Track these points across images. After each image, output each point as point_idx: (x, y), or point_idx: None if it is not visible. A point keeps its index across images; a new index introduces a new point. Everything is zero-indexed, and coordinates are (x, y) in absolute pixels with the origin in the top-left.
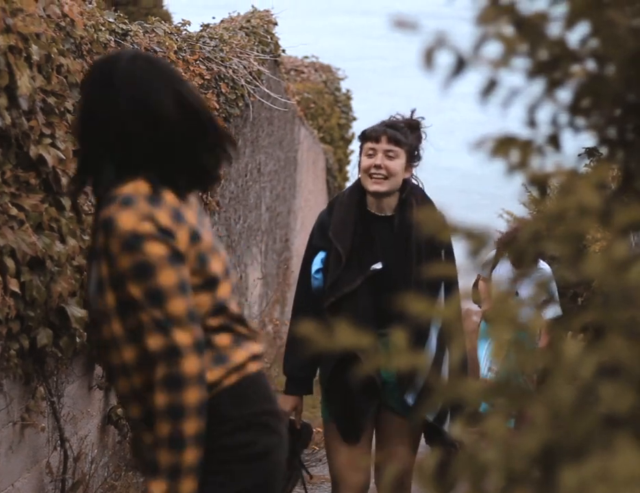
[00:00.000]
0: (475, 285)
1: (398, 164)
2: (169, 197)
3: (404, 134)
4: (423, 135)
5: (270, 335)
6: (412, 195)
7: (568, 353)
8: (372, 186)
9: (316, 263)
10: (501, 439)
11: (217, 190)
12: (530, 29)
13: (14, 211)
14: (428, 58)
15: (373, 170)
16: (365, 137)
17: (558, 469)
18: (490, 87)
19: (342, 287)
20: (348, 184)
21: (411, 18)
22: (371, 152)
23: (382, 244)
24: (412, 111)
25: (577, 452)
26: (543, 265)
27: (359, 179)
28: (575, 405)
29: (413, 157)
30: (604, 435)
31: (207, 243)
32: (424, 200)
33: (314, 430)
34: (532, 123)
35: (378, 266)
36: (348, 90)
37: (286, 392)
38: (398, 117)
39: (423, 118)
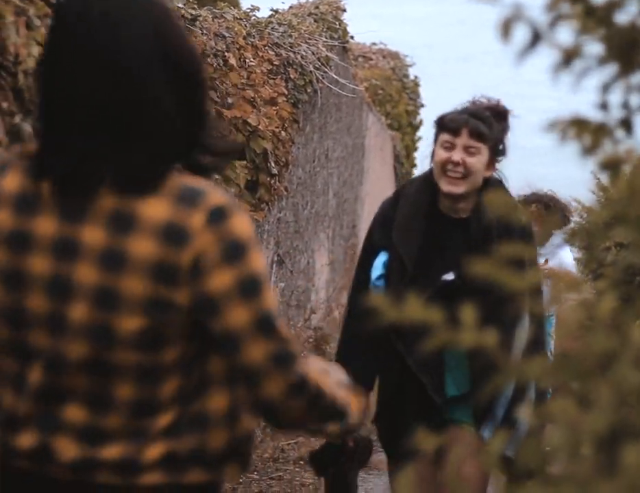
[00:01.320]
0: None
1: (480, 162)
2: None
3: (489, 125)
4: (510, 127)
5: (337, 321)
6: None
7: (635, 338)
8: (446, 186)
9: (377, 267)
10: (567, 422)
11: (285, 176)
12: (602, 15)
13: None
14: (506, 30)
15: (449, 167)
16: (443, 126)
17: (620, 449)
18: (564, 63)
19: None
20: (416, 171)
21: None
22: (447, 145)
23: (454, 251)
24: (498, 101)
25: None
26: (566, 252)
27: (430, 170)
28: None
29: (497, 151)
30: None
31: None
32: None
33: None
34: (604, 106)
35: (450, 276)
36: (416, 77)
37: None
38: (483, 101)
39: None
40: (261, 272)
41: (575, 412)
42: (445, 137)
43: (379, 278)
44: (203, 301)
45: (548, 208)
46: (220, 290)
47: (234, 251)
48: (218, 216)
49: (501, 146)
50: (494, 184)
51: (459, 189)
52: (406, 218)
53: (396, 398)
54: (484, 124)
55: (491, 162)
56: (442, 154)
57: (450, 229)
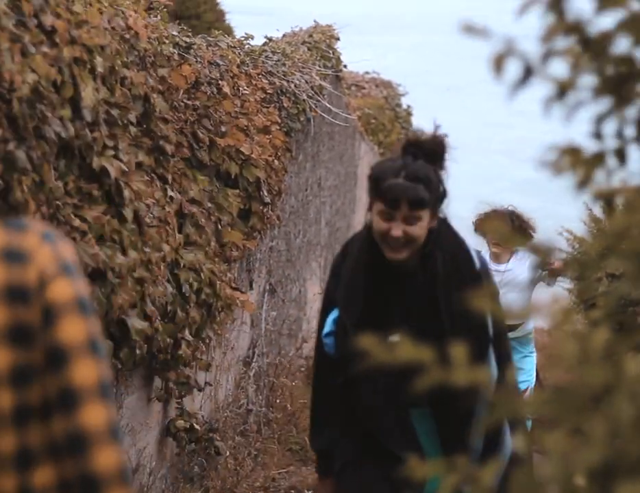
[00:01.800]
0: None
1: (422, 227)
2: None
3: (428, 184)
4: (447, 163)
5: None
6: (437, 245)
7: (630, 370)
8: (388, 253)
9: (328, 323)
10: (561, 454)
11: (277, 204)
12: (596, 47)
13: (76, 222)
14: (498, 64)
15: (390, 238)
16: (379, 193)
17: (614, 485)
18: (558, 95)
19: (353, 367)
20: None
21: (481, 25)
22: (386, 216)
23: (403, 306)
24: (437, 127)
25: (635, 470)
26: (523, 257)
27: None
28: (635, 423)
29: (440, 203)
30: None
31: None
32: (454, 244)
33: None
34: (598, 135)
35: (396, 338)
36: (409, 106)
37: (320, 474)
38: (419, 134)
39: (446, 134)
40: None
41: (568, 444)
42: (382, 207)
43: (328, 335)
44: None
45: (511, 224)
46: (61, 302)
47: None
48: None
49: (442, 194)
50: (437, 233)
51: (401, 255)
52: (349, 277)
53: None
54: (424, 186)
55: (434, 217)
56: (381, 225)
57: (397, 281)
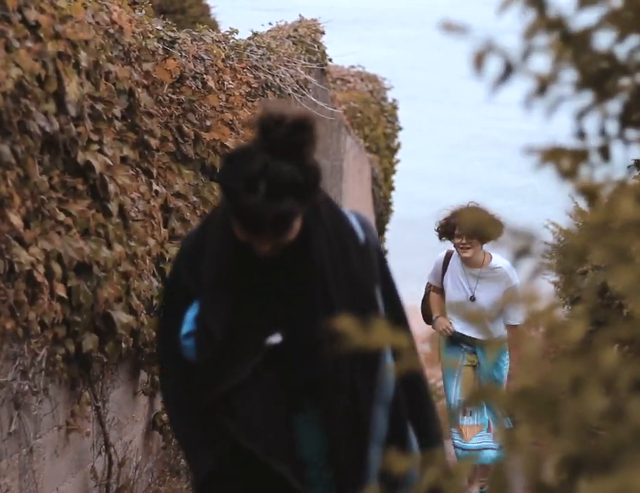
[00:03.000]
0: (426, 297)
1: (293, 233)
2: None
3: (297, 191)
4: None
5: None
6: (316, 221)
7: (605, 363)
8: (258, 252)
9: (188, 321)
10: (528, 449)
11: None
12: (578, 43)
13: (61, 216)
14: (478, 62)
15: (255, 249)
16: (234, 214)
17: (583, 478)
18: (538, 91)
19: (221, 379)
20: (394, 193)
21: (460, 24)
22: (248, 235)
23: (280, 300)
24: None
25: (602, 466)
26: (501, 262)
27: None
28: (605, 417)
29: (313, 193)
30: (633, 451)
31: None
32: (335, 218)
33: None
34: (580, 134)
35: (276, 338)
36: (394, 100)
37: None
38: (275, 116)
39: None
40: None
41: (536, 440)
42: (240, 224)
43: (188, 336)
44: None
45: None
46: None
47: None
48: None
49: (313, 182)
50: (316, 209)
51: (272, 253)
52: (213, 272)
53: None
54: (292, 196)
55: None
56: (242, 237)
57: (272, 270)
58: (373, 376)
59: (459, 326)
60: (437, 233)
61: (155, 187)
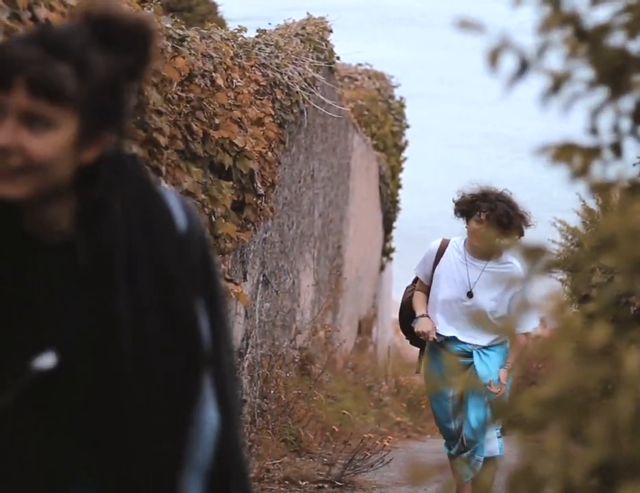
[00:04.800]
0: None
1: (54, 146)
2: None
3: (82, 68)
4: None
5: (322, 341)
6: (112, 192)
7: (629, 366)
8: None
9: None
10: (560, 453)
11: (271, 196)
12: (592, 39)
13: None
14: (493, 59)
15: None
16: None
17: (617, 485)
18: (554, 88)
19: None
20: (401, 191)
21: (476, 21)
22: None
23: (50, 307)
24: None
25: (635, 470)
26: (512, 260)
27: None
28: (635, 421)
29: (115, 118)
30: None
31: None
32: (143, 191)
33: (365, 435)
34: (593, 130)
35: (48, 359)
36: (401, 98)
37: None
38: (112, 16)
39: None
40: None
41: (567, 445)
42: None
43: None
44: None
45: (504, 217)
46: None
47: None
48: None
49: (110, 95)
50: (118, 162)
51: (15, 189)
52: None
53: None
54: (73, 66)
55: (90, 135)
56: None
57: (46, 264)
58: (182, 432)
59: (452, 330)
60: (454, 206)
61: (163, 184)
